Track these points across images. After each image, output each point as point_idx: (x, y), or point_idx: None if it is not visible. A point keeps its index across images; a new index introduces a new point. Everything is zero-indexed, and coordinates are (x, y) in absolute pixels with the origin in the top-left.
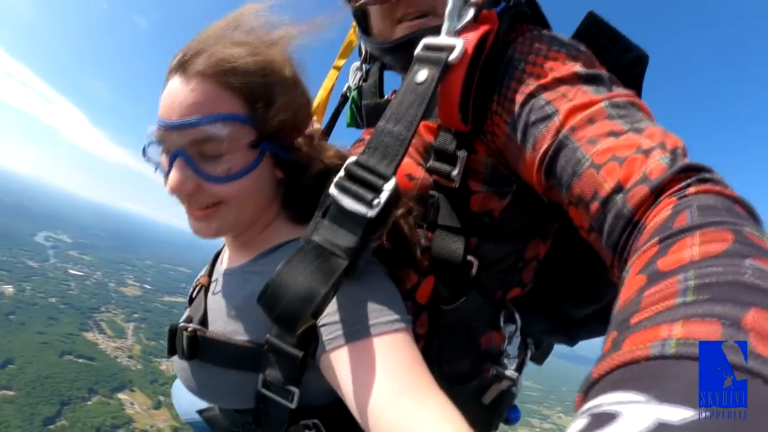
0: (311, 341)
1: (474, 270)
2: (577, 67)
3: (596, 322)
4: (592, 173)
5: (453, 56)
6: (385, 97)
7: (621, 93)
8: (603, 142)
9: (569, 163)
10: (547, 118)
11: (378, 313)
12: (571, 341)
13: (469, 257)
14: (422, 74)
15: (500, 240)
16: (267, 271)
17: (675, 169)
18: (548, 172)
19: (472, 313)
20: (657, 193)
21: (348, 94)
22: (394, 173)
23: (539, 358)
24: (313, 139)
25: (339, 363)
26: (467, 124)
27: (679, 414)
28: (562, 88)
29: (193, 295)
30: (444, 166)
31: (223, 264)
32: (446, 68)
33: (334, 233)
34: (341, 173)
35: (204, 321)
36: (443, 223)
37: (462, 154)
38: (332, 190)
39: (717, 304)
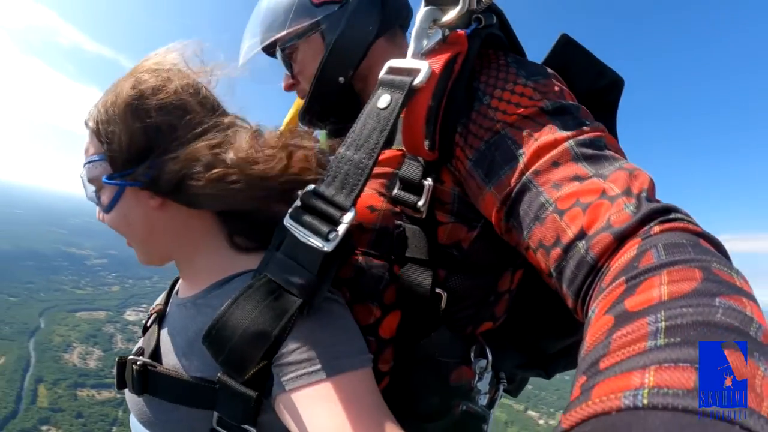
0: (266, 380)
1: (443, 304)
2: (544, 102)
3: (574, 354)
4: (555, 218)
5: (418, 80)
6: None
7: (588, 129)
8: (567, 187)
9: (531, 208)
10: (512, 159)
11: (335, 353)
12: (548, 375)
13: (438, 290)
14: (385, 99)
15: (471, 272)
16: (220, 304)
17: (639, 217)
18: (509, 214)
19: (441, 349)
20: (621, 240)
21: None
22: (354, 204)
23: (514, 390)
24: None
25: (294, 406)
26: (433, 152)
27: None
28: (529, 126)
29: (148, 324)
30: (409, 196)
31: (177, 292)
32: (411, 93)
33: (288, 268)
34: (297, 203)
35: (156, 353)
36: (410, 255)
37: (428, 183)
38: (287, 221)
39: (690, 347)
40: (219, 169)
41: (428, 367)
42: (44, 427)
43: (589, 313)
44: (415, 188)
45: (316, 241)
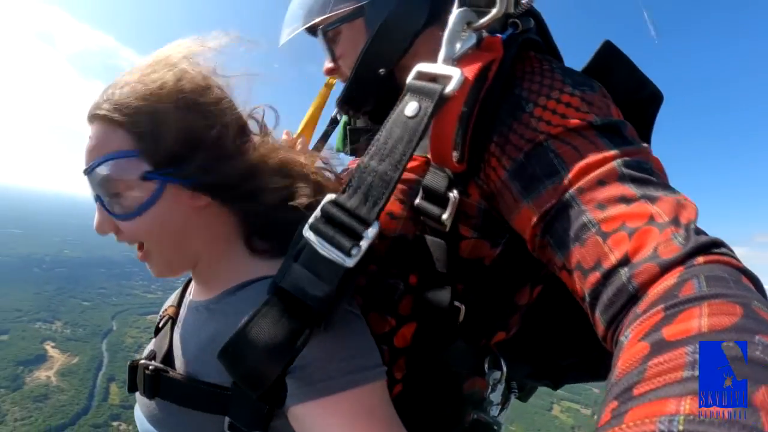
0: (280, 390)
1: (461, 317)
2: (592, 116)
3: (583, 368)
4: (598, 241)
5: (450, 88)
6: None
7: (636, 149)
8: (613, 209)
9: (572, 227)
10: (555, 174)
11: (351, 367)
12: (556, 386)
13: (456, 303)
14: (413, 107)
15: (490, 288)
16: (234, 311)
17: (687, 250)
18: (546, 231)
19: (455, 359)
20: (665, 271)
21: (338, 118)
22: (377, 218)
23: (523, 397)
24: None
25: (309, 419)
26: (462, 164)
27: None
28: (575, 141)
29: (160, 325)
30: (433, 208)
31: (190, 294)
32: (441, 101)
33: (306, 281)
34: (317, 213)
35: (168, 357)
36: (429, 267)
37: (454, 195)
38: (306, 232)
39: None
40: (290, 162)
41: (442, 377)
42: (115, 423)
43: (622, 338)
44: (439, 199)
45: (337, 256)
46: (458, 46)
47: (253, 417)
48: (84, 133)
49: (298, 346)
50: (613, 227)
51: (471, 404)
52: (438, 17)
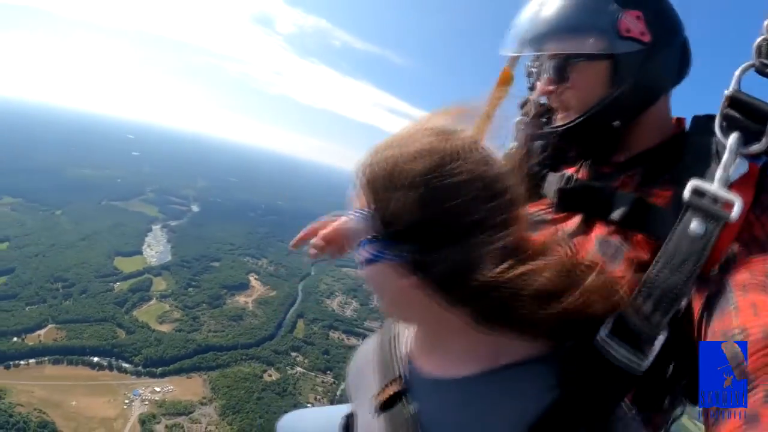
0: None
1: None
2: None
3: None
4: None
5: (734, 215)
6: (576, 176)
7: None
8: None
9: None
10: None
11: None
12: None
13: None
14: (698, 226)
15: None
16: (504, 396)
17: None
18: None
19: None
20: None
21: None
22: (667, 327)
23: None
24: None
25: None
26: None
27: None
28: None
29: (384, 402)
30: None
31: (406, 361)
32: (725, 226)
33: (592, 384)
34: (609, 323)
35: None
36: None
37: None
38: (602, 333)
39: None
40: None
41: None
42: (294, 354)
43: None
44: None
45: (631, 360)
46: (732, 169)
47: None
48: (307, 104)
49: None
50: None
51: None
52: (675, 84)
